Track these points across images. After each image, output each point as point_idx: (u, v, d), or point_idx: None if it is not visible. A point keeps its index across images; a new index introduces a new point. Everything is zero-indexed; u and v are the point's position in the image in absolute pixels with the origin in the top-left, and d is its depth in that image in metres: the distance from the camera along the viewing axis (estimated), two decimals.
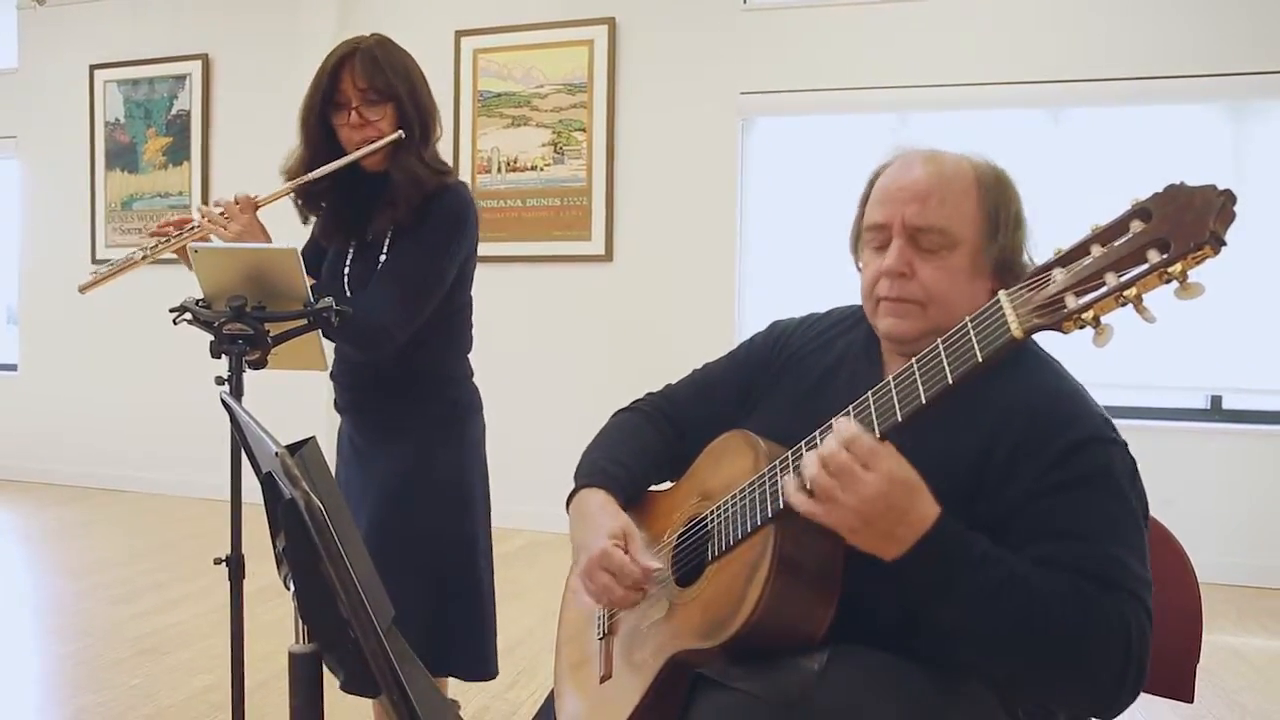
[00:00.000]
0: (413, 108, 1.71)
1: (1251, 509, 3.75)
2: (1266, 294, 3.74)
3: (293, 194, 1.78)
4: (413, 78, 1.73)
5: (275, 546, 0.95)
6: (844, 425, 0.92)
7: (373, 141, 1.68)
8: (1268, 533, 3.74)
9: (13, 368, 5.60)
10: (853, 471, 0.89)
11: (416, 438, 1.81)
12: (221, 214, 1.69)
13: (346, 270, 1.80)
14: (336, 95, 1.70)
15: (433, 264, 1.72)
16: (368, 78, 1.66)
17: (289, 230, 1.86)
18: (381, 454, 1.83)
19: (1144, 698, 1.27)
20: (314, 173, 1.71)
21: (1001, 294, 0.87)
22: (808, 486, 0.93)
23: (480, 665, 1.87)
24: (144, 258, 1.70)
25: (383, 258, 1.75)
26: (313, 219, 1.88)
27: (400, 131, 1.69)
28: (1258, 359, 3.78)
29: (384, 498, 1.79)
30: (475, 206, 1.81)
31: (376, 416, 1.85)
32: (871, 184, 1.15)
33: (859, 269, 1.18)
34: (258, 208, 1.72)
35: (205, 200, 5.03)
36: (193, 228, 1.69)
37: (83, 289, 1.74)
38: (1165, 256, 0.77)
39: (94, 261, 5.26)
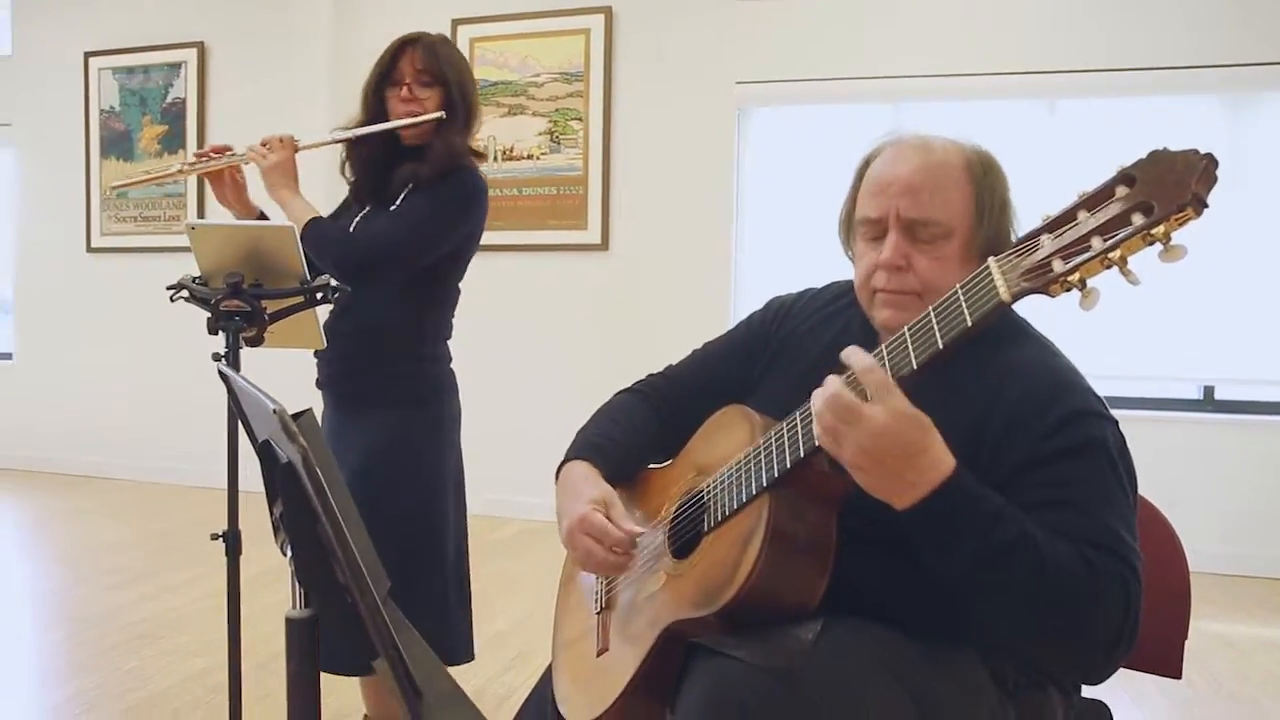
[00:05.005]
0: (459, 95, 1.87)
1: (1242, 499, 3.77)
2: (1259, 285, 3.75)
3: (344, 147, 1.92)
4: (463, 73, 1.90)
5: (272, 514, 0.96)
6: (860, 357, 0.91)
7: (417, 116, 1.84)
8: (1258, 522, 3.76)
9: (8, 356, 5.58)
10: (856, 405, 0.89)
11: (390, 413, 1.86)
12: (264, 147, 1.84)
13: (355, 221, 1.90)
14: (394, 73, 1.86)
15: (438, 218, 1.83)
16: (424, 61, 1.84)
17: (320, 192, 1.91)
18: (356, 428, 1.87)
19: (1132, 678, 1.29)
20: (356, 131, 1.87)
21: (991, 260, 0.88)
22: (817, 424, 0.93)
23: (438, 650, 1.87)
24: (180, 171, 1.87)
25: (394, 208, 1.85)
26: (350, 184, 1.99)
27: (442, 112, 1.85)
28: (1250, 350, 3.79)
29: (355, 472, 1.82)
30: (487, 194, 1.92)
31: (353, 390, 1.89)
32: (861, 174, 1.16)
33: (849, 256, 1.19)
34: (298, 150, 1.87)
35: (201, 190, 5.03)
36: (234, 154, 1.85)
37: (114, 188, 1.92)
38: (1149, 219, 0.78)
39: (88, 250, 5.26)
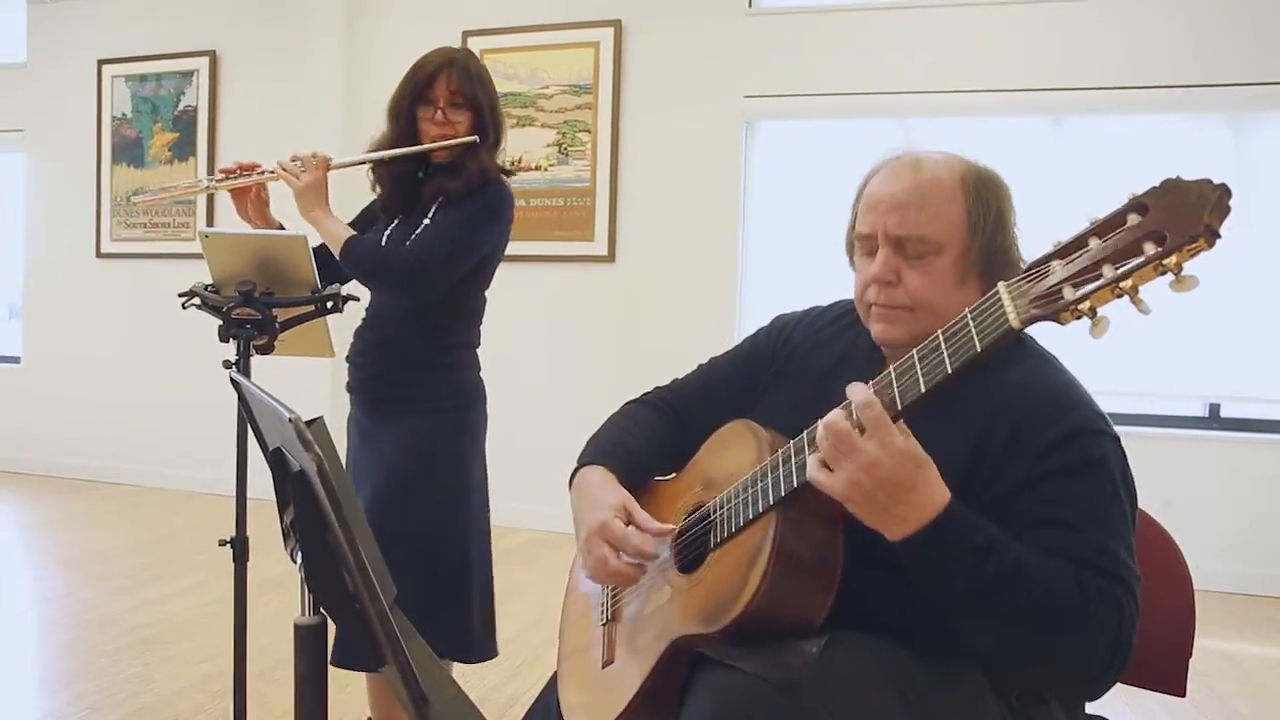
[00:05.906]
0: (490, 117, 1.90)
1: (1249, 517, 3.76)
2: (1266, 302, 3.75)
3: (370, 166, 1.94)
4: (493, 93, 1.94)
5: (282, 521, 0.97)
6: (859, 391, 0.93)
7: (449, 139, 1.86)
8: (1265, 541, 3.74)
9: (16, 360, 5.61)
10: (850, 437, 0.91)
11: (422, 419, 1.89)
12: (298, 166, 1.84)
13: (387, 234, 1.92)
14: (428, 94, 1.87)
15: (471, 230, 1.86)
16: (459, 84, 1.86)
17: (345, 203, 1.94)
18: (387, 432, 1.90)
19: (1136, 695, 1.29)
20: (390, 152, 1.88)
21: (1001, 285, 0.89)
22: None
23: (459, 647, 1.92)
24: (207, 187, 1.89)
25: (425, 221, 1.87)
26: (377, 193, 2.02)
27: (475, 136, 1.87)
28: (1257, 367, 3.79)
29: (387, 474, 1.86)
30: (514, 204, 1.95)
31: (381, 397, 1.92)
32: (862, 190, 1.17)
33: (854, 270, 1.21)
34: (330, 169, 1.87)
35: (211, 198, 5.05)
36: (263, 172, 1.85)
37: (139, 202, 1.92)
38: (1161, 249, 0.78)
39: (98, 255, 5.29)
